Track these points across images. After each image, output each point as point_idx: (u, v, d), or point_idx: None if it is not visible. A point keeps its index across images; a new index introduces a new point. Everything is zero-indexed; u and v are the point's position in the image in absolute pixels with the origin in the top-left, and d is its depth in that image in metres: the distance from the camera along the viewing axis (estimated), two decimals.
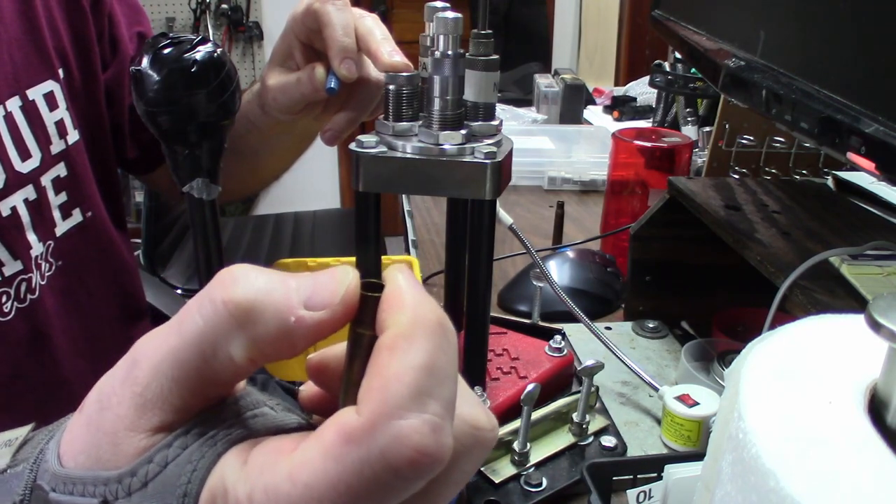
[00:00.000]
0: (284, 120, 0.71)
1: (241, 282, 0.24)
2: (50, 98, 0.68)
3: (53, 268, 0.69)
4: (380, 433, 0.21)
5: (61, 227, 0.70)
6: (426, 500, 0.24)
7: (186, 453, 0.24)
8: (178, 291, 1.88)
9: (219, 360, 0.24)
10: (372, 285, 0.25)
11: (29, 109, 0.66)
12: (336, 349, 0.28)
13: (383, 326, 0.24)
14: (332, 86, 0.63)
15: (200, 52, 0.48)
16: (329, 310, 0.24)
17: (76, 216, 0.71)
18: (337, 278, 0.25)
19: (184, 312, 0.25)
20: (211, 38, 0.53)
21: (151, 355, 0.25)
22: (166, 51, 0.48)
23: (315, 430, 0.23)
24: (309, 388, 0.29)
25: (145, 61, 0.48)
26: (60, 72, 0.70)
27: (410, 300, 0.24)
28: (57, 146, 0.69)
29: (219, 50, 0.50)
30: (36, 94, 0.67)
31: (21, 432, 0.29)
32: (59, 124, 0.69)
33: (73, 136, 0.71)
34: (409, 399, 0.22)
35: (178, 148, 0.50)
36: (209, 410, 0.25)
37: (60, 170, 0.69)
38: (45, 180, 0.67)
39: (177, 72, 0.47)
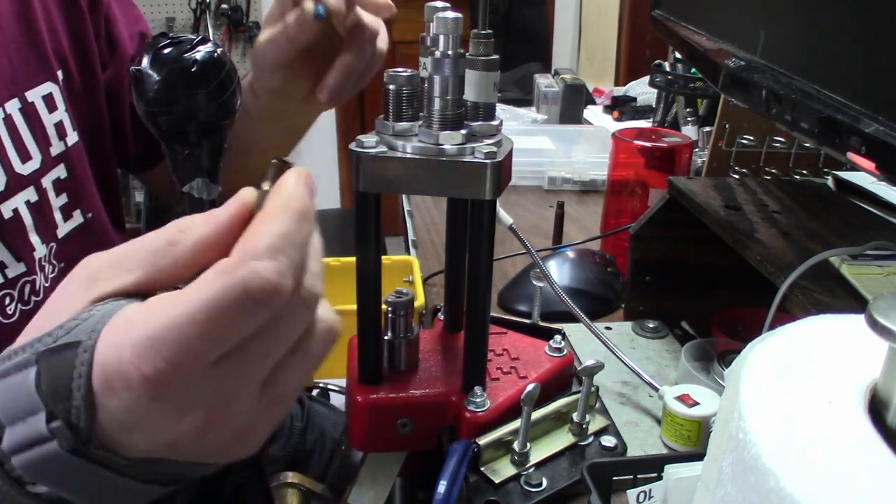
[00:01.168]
0: (273, 84, 0.70)
1: (186, 218, 0.35)
2: (49, 100, 0.68)
3: (56, 270, 0.69)
4: (241, 267, 0.30)
5: (63, 229, 0.70)
6: (277, 338, 0.33)
7: (104, 307, 0.33)
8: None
9: (168, 262, 0.34)
10: (285, 162, 0.36)
11: (28, 111, 0.66)
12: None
13: (266, 205, 0.33)
14: (320, 11, 0.62)
15: (200, 52, 0.48)
16: (231, 207, 0.35)
17: (77, 218, 0.71)
18: (238, 195, 0.35)
19: (143, 236, 0.35)
20: (211, 38, 0.53)
21: (111, 254, 0.35)
22: (166, 51, 0.48)
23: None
24: None
25: (145, 61, 0.48)
26: (59, 73, 0.70)
27: (287, 190, 0.34)
28: (56, 148, 0.69)
29: (219, 50, 0.50)
30: (35, 96, 0.67)
31: None
32: (59, 126, 0.69)
33: (73, 137, 0.71)
34: (266, 250, 0.31)
35: (178, 148, 0.50)
36: None
37: (60, 171, 0.69)
38: (46, 182, 0.67)
39: (177, 72, 0.47)
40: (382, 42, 0.69)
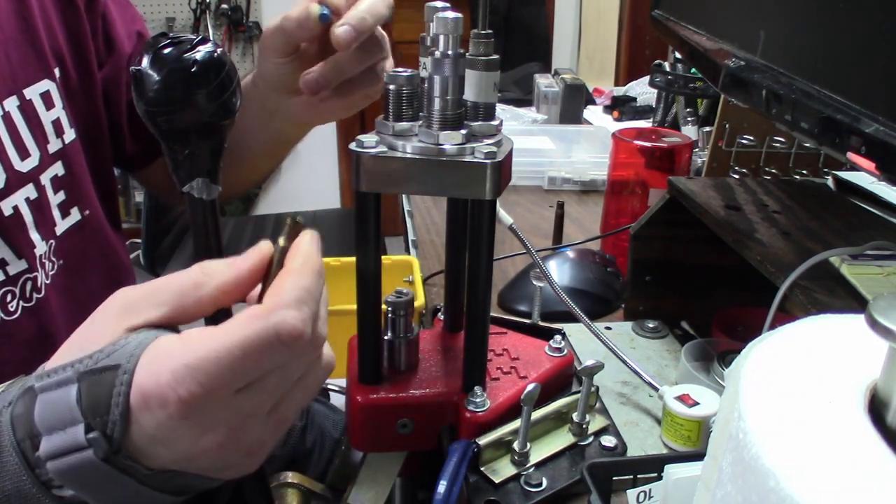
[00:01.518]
0: (269, 71, 0.70)
1: (211, 262, 0.42)
2: (46, 97, 0.68)
3: (56, 267, 0.69)
4: (274, 315, 0.37)
5: (61, 226, 0.70)
6: (290, 372, 0.40)
7: (139, 336, 0.38)
8: None
9: (193, 300, 0.40)
10: (297, 222, 0.42)
11: (26, 109, 0.66)
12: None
13: (286, 262, 0.40)
14: (325, 12, 0.64)
15: (200, 52, 0.48)
16: (252, 259, 0.42)
17: (74, 215, 0.71)
18: (258, 247, 0.42)
19: (170, 275, 0.41)
20: (211, 38, 0.52)
21: (143, 289, 0.40)
22: (166, 51, 0.47)
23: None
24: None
25: (145, 61, 0.48)
26: (56, 71, 0.70)
27: (305, 250, 0.41)
28: (54, 145, 0.69)
29: (219, 50, 0.50)
30: (33, 93, 0.67)
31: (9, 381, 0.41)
32: (56, 123, 0.69)
33: (70, 135, 0.71)
34: (293, 301, 0.38)
35: (178, 148, 0.50)
36: None
37: (58, 169, 0.69)
38: (45, 179, 0.67)
39: (177, 72, 0.47)
40: (387, 64, 0.70)
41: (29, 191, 0.66)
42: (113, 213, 0.80)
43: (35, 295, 0.66)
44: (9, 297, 0.64)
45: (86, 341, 0.39)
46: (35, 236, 0.66)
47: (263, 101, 0.74)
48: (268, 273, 0.42)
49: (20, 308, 0.65)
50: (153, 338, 0.38)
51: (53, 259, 0.69)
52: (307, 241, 0.41)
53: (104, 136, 0.78)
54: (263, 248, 0.42)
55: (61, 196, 0.70)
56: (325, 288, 0.41)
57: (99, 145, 0.77)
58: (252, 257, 0.41)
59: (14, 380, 0.41)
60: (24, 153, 0.65)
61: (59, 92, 0.69)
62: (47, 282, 0.67)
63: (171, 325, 0.40)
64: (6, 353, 0.64)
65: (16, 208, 0.64)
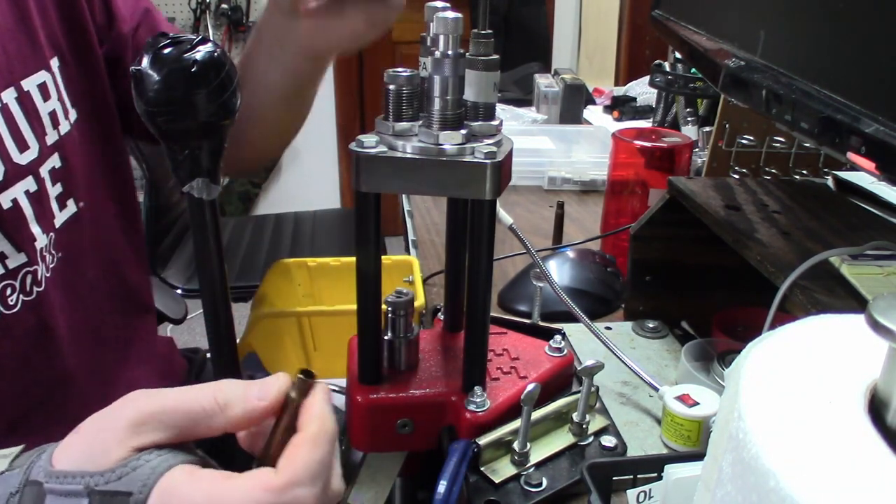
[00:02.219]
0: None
1: (225, 387, 0.43)
2: (43, 89, 0.67)
3: (55, 260, 0.69)
4: (289, 492, 0.39)
5: (59, 219, 0.69)
6: None
7: (151, 464, 0.39)
8: (178, 291, 1.88)
9: (202, 426, 0.42)
10: (308, 372, 0.44)
11: (24, 101, 0.65)
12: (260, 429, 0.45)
13: (302, 426, 0.42)
14: None
15: (200, 52, 0.48)
16: (267, 401, 0.43)
17: (71, 206, 0.71)
18: (274, 383, 0.44)
19: (185, 391, 0.42)
20: (211, 38, 0.52)
21: (148, 405, 0.41)
22: (166, 51, 0.48)
23: (243, 474, 0.40)
24: (245, 435, 0.45)
25: (145, 61, 0.48)
26: (54, 61, 0.69)
27: (319, 414, 0.43)
28: (51, 137, 0.68)
29: (219, 50, 0.50)
30: (30, 84, 0.66)
31: (14, 450, 0.42)
32: (52, 115, 0.68)
33: (65, 126, 0.70)
34: (307, 478, 0.40)
35: (177, 148, 0.50)
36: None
37: (55, 161, 0.68)
38: (44, 171, 0.67)
39: (177, 72, 0.47)
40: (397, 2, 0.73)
41: (28, 183, 0.65)
42: (124, 202, 0.79)
43: (35, 288, 0.65)
44: (8, 291, 0.63)
45: (94, 448, 0.40)
46: (36, 229, 0.65)
47: (275, 30, 0.76)
48: (280, 416, 0.43)
49: (20, 302, 0.64)
50: (165, 468, 0.39)
51: (53, 252, 0.68)
52: (320, 402, 0.43)
53: (112, 117, 0.77)
54: (282, 385, 0.43)
55: (59, 188, 0.69)
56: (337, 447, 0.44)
57: (106, 129, 0.76)
58: (269, 395, 0.43)
59: (11, 451, 0.42)
60: (23, 146, 0.65)
61: (54, 83, 0.68)
62: (47, 275, 0.67)
63: (179, 443, 0.42)
64: (6, 346, 0.64)
65: (15, 201, 0.63)
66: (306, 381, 0.43)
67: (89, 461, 0.39)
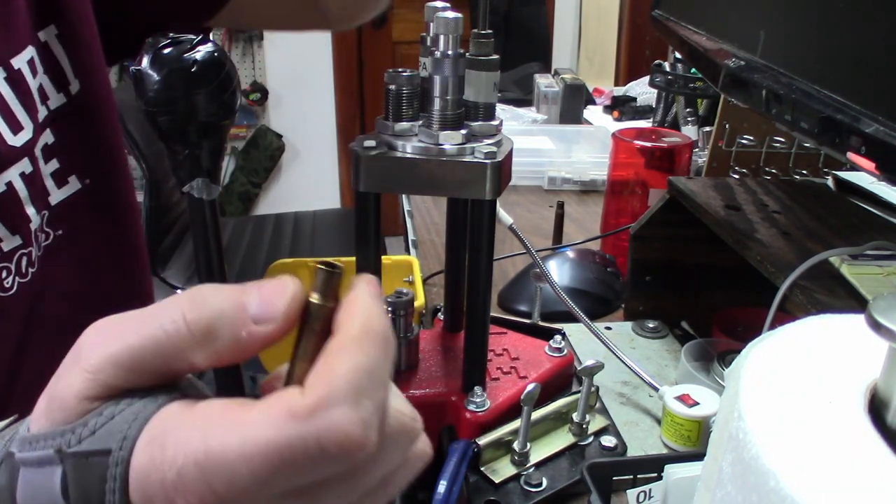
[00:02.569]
0: None
1: (203, 303, 0.29)
2: (31, 64, 0.64)
3: (52, 237, 0.67)
4: (319, 417, 0.26)
5: (56, 196, 0.67)
6: (356, 483, 0.29)
7: (132, 408, 0.29)
8: (179, 291, 1.88)
9: (179, 362, 0.29)
10: (330, 264, 0.29)
11: (16, 80, 0.62)
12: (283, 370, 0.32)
13: (339, 327, 0.28)
14: None
15: (200, 52, 0.48)
16: (273, 324, 0.28)
17: (73, 184, 0.68)
18: (281, 292, 0.29)
19: (148, 317, 0.29)
20: (211, 38, 0.52)
21: (106, 345, 0.29)
22: (166, 51, 0.48)
23: (260, 400, 0.28)
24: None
25: (145, 61, 0.48)
26: (41, 34, 0.65)
27: (365, 309, 0.28)
28: (41, 112, 0.65)
29: (219, 50, 0.50)
30: (21, 62, 0.63)
31: (3, 422, 0.34)
32: (40, 90, 0.65)
33: (56, 100, 0.67)
34: (348, 394, 0.26)
35: (178, 148, 0.50)
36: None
37: (48, 137, 0.65)
38: (37, 150, 0.64)
39: (177, 71, 0.47)
40: None
41: (24, 165, 0.62)
42: (120, 180, 0.74)
43: (30, 270, 0.64)
44: (3, 274, 0.62)
45: (52, 402, 0.30)
46: (30, 211, 0.63)
47: None
48: (300, 337, 0.29)
49: (16, 284, 0.63)
50: (153, 409, 0.29)
51: (48, 230, 0.66)
52: (365, 295, 0.29)
53: (107, 90, 0.72)
54: (292, 291, 0.29)
55: (54, 164, 0.66)
56: (391, 361, 0.29)
57: (103, 104, 0.73)
58: (274, 313, 0.29)
59: (5, 425, 0.34)
60: (16, 127, 0.62)
61: (39, 57, 0.65)
62: (39, 254, 0.66)
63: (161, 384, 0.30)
64: (2, 328, 0.63)
65: (9, 184, 0.61)
66: (332, 272, 0.29)
67: (52, 422, 0.30)
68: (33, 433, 0.30)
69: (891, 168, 0.41)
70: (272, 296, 0.29)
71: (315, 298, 0.29)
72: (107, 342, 0.30)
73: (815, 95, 0.48)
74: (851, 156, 0.43)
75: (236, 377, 0.50)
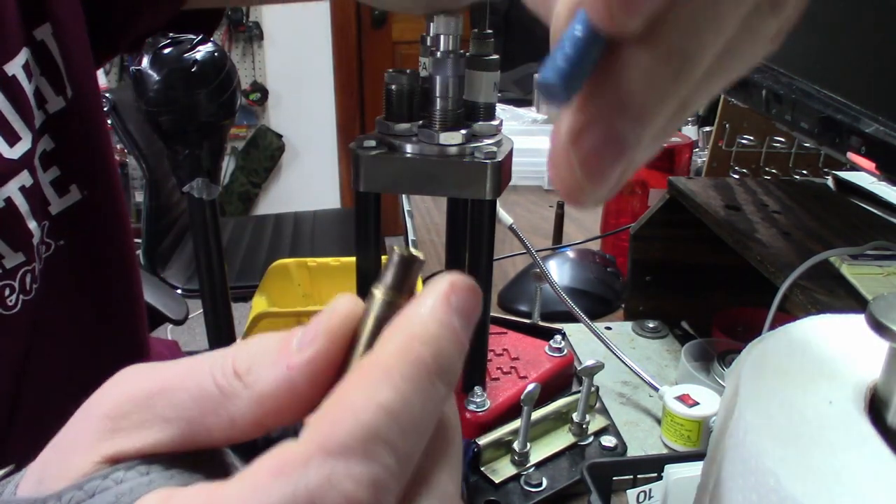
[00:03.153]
0: None
1: (245, 343, 0.23)
2: (26, 68, 0.60)
3: (53, 248, 0.64)
4: (313, 469, 0.19)
5: (57, 206, 0.64)
6: None
7: (124, 486, 0.22)
8: (178, 291, 1.88)
9: (216, 417, 0.23)
10: (413, 254, 0.22)
11: (11, 86, 0.59)
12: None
13: (377, 346, 0.22)
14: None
15: (200, 52, 0.48)
16: (314, 344, 0.22)
17: (74, 193, 0.65)
18: (328, 310, 0.23)
19: (191, 366, 0.24)
20: (211, 38, 0.52)
21: (142, 389, 0.23)
22: (166, 51, 0.48)
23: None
24: None
25: (145, 61, 0.48)
26: (37, 33, 0.61)
27: (418, 323, 0.21)
28: (38, 118, 0.61)
29: (219, 50, 0.50)
30: (15, 67, 0.59)
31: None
32: (37, 94, 0.61)
33: (54, 103, 0.63)
34: (359, 440, 0.19)
35: (178, 148, 0.50)
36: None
37: (46, 143, 0.62)
38: (37, 160, 0.61)
39: (177, 72, 0.47)
40: None
41: (24, 178, 0.59)
42: (113, 189, 0.70)
43: (34, 286, 0.63)
44: (7, 292, 0.61)
45: (50, 461, 0.25)
46: (32, 225, 0.60)
47: None
48: (349, 354, 0.22)
49: (20, 302, 0.62)
50: (143, 489, 0.22)
51: (49, 241, 0.64)
52: (432, 300, 0.22)
53: (97, 95, 0.68)
54: (344, 307, 0.23)
55: (54, 172, 0.63)
56: (440, 407, 0.23)
57: (94, 109, 0.70)
58: (316, 347, 0.22)
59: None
60: (12, 138, 0.59)
61: (33, 59, 0.61)
62: (40, 267, 0.64)
63: (179, 452, 0.23)
64: (4, 344, 0.62)
65: (8, 200, 0.58)
66: (409, 257, 0.22)
67: (40, 483, 0.24)
68: (20, 496, 0.25)
69: (891, 168, 0.41)
70: (318, 317, 0.23)
71: (380, 294, 0.22)
72: (136, 385, 0.24)
73: (815, 95, 0.48)
74: (851, 156, 0.43)
75: None
